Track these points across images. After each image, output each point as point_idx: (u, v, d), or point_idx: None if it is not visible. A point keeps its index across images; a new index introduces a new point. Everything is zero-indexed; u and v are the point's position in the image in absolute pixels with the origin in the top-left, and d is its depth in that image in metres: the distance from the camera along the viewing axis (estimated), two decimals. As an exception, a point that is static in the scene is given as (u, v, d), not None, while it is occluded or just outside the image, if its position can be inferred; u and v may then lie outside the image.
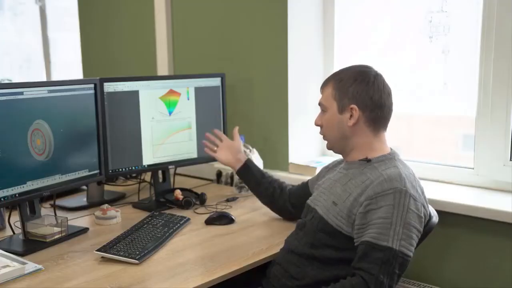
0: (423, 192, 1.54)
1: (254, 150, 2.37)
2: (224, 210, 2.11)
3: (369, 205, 1.47)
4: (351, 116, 1.58)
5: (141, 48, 2.99)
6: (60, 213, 2.04)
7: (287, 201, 1.96)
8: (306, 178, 1.99)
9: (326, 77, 1.68)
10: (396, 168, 1.53)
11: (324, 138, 1.69)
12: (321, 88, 1.67)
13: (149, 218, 1.97)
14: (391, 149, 1.63)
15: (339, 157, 1.75)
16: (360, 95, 1.56)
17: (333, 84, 1.61)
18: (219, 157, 2.14)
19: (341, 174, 1.65)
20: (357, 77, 1.58)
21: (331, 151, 1.72)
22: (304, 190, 1.89)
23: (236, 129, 2.17)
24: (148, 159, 2.23)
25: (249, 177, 2.05)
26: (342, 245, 1.53)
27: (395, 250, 1.40)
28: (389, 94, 1.61)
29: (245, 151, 2.33)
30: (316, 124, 1.69)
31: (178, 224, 1.92)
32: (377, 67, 1.64)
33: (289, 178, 2.30)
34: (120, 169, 2.17)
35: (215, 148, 2.16)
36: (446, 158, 2.29)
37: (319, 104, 1.67)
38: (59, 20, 4.06)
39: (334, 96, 1.60)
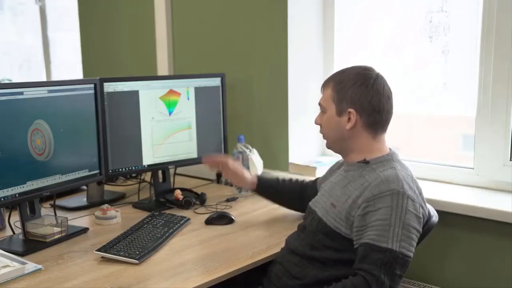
0: (421, 193, 1.54)
1: (254, 150, 2.36)
2: (224, 210, 2.11)
3: (367, 207, 1.47)
4: (349, 119, 1.57)
5: (141, 48, 2.98)
6: (60, 213, 2.04)
7: (300, 207, 1.96)
8: (306, 177, 1.98)
9: (326, 77, 1.68)
10: (394, 169, 1.53)
11: (323, 137, 1.69)
12: (321, 88, 1.67)
13: (149, 218, 1.97)
14: (390, 149, 1.63)
15: (340, 157, 1.75)
16: (359, 99, 1.55)
17: (332, 86, 1.61)
18: (230, 179, 2.15)
19: (341, 176, 1.65)
20: (356, 80, 1.57)
21: (331, 151, 1.72)
22: (313, 188, 1.90)
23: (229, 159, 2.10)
24: (148, 159, 2.23)
25: (264, 195, 2.07)
26: (341, 247, 1.53)
27: (395, 251, 1.40)
28: (388, 97, 1.59)
29: (244, 152, 2.33)
30: (316, 123, 1.70)
31: (178, 224, 1.92)
32: (378, 68, 1.63)
33: (289, 178, 2.30)
34: (120, 169, 2.17)
35: (221, 169, 2.14)
36: (446, 158, 2.29)
37: (319, 104, 1.67)
38: (59, 20, 4.06)
39: (333, 98, 1.60)
